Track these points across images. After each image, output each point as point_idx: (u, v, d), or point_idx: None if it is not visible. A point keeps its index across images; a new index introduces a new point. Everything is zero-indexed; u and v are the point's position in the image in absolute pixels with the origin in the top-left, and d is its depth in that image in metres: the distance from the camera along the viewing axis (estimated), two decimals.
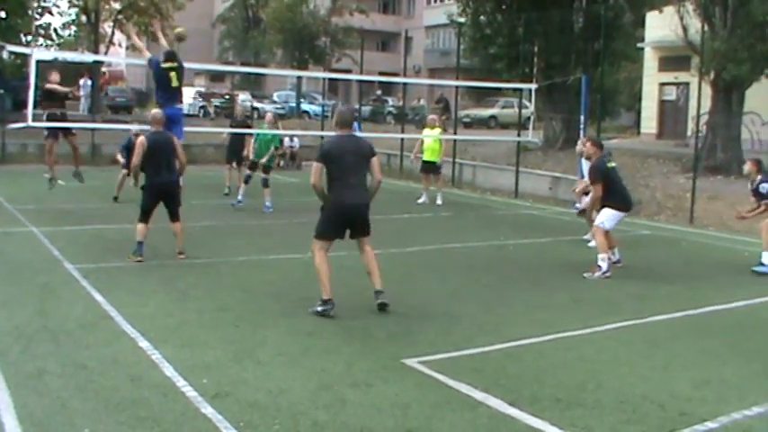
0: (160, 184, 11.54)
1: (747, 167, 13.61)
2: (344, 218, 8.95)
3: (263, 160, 17.53)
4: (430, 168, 20.48)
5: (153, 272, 10.75)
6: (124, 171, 17.96)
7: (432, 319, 8.81)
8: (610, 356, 7.69)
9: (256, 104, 41.09)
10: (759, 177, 13.15)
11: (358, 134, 19.48)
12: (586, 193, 14.36)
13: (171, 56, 13.23)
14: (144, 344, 7.42)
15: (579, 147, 15.05)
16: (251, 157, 17.83)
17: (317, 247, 8.98)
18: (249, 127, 19.55)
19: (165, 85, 13.18)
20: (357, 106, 34.43)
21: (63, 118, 15.96)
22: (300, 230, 14.97)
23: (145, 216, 11.49)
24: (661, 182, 21.87)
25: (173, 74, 13.06)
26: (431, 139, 20.42)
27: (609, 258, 11.89)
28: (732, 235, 16.51)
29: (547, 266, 12.52)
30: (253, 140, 18.11)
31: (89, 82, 37.43)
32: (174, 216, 11.75)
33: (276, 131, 19.18)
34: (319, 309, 8.70)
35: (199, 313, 8.65)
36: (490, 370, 7.11)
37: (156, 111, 12.23)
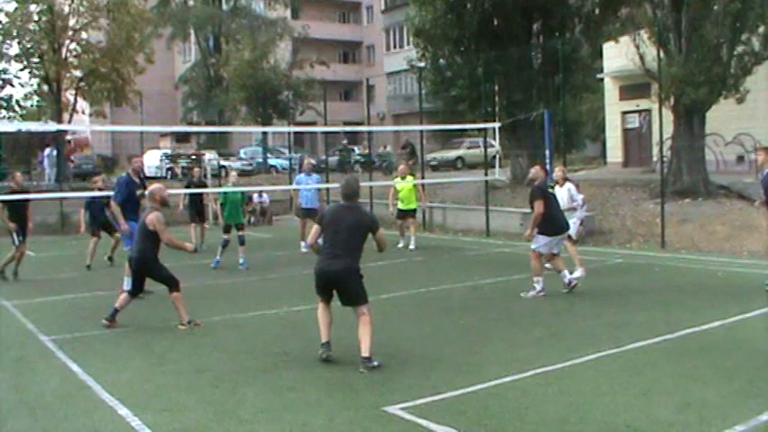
0: (130, 258, 11.54)
1: (761, 157, 13.65)
2: (324, 283, 9.09)
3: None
4: (407, 214, 20.70)
5: (129, 337, 10.65)
6: (94, 239, 17.95)
7: (411, 363, 8.79)
8: (591, 387, 7.70)
9: (223, 162, 41.11)
10: None
11: (315, 184, 19.83)
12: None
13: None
14: (123, 411, 7.33)
15: (557, 174, 15.67)
16: (221, 222, 17.91)
17: (317, 302, 9.27)
18: (206, 186, 19.66)
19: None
20: (324, 156, 34.53)
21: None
22: (275, 286, 15.05)
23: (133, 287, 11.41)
24: (630, 209, 22.05)
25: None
26: (407, 189, 20.72)
27: (543, 280, 12.80)
28: (704, 256, 16.66)
29: (522, 303, 12.54)
30: (220, 202, 18.14)
31: (54, 152, 37.32)
32: (168, 286, 11.37)
33: (243, 189, 19.39)
34: (319, 351, 8.96)
35: (177, 376, 8.57)
36: (472, 411, 7.10)
37: (156, 186, 12.08)
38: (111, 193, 15.54)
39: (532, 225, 13.02)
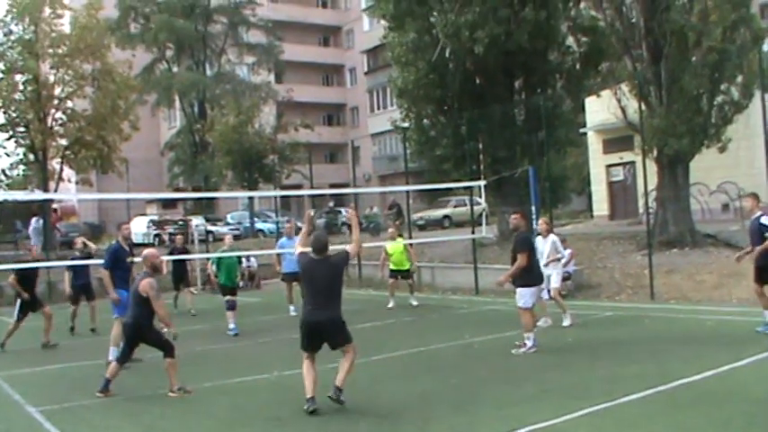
0: (124, 324, 11.49)
1: (748, 203, 13.73)
2: (312, 333, 9.61)
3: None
4: (403, 275, 20.77)
5: (118, 406, 10.51)
6: (73, 308, 18.58)
7: (403, 424, 8.72)
8: None
9: (210, 228, 41.09)
10: (759, 213, 13.34)
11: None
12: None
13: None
14: None
15: (541, 225, 16.33)
16: (216, 281, 18.24)
17: (303, 357, 9.67)
18: (189, 253, 19.72)
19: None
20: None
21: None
22: (265, 350, 14.95)
23: (121, 356, 11.35)
24: (618, 262, 22.07)
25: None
26: (399, 251, 20.71)
27: (534, 337, 12.75)
28: (693, 306, 16.67)
29: (513, 360, 12.48)
30: (215, 267, 18.25)
31: (40, 221, 37.27)
32: (163, 351, 11.24)
33: (238, 253, 19.50)
34: (305, 407, 9.28)
35: None
36: None
37: (149, 251, 12.09)
38: (98, 261, 15.66)
39: (512, 274, 13.05)
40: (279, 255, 20.67)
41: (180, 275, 21.51)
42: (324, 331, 9.58)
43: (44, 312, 16.56)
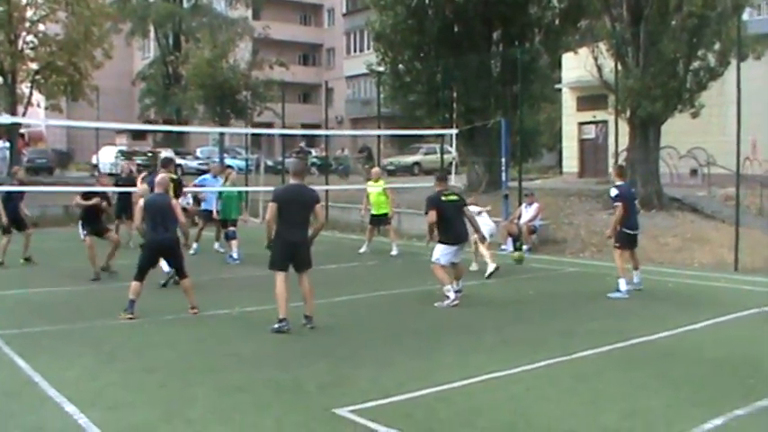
0: (158, 242, 11.70)
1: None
2: (288, 251, 10.60)
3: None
4: (381, 220, 20.44)
5: (78, 334, 10.52)
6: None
7: (362, 366, 8.79)
8: (539, 394, 7.76)
9: (179, 161, 40.83)
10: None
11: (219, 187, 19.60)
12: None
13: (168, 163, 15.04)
14: (70, 408, 7.25)
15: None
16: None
17: (276, 276, 10.55)
18: (134, 183, 19.02)
19: None
20: (280, 158, 34.43)
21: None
22: (228, 286, 14.95)
23: (140, 274, 11.57)
24: (584, 219, 22.23)
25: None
26: (377, 193, 20.31)
27: (453, 289, 12.89)
28: (656, 267, 16.83)
29: (475, 309, 12.58)
30: (216, 199, 18.67)
31: (7, 144, 36.84)
32: (179, 272, 12.01)
33: (240, 188, 19.25)
34: (275, 326, 10.30)
35: (125, 374, 8.49)
36: (421, 415, 7.12)
37: (162, 175, 12.75)
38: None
39: (429, 234, 13.45)
40: (198, 191, 19.62)
41: (123, 205, 19.80)
42: (298, 249, 10.64)
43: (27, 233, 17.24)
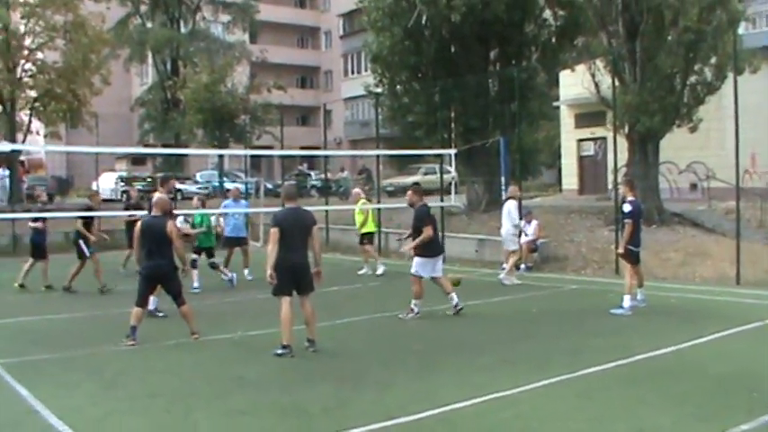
0: (153, 268, 11.60)
1: None
2: (290, 274, 10.50)
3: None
4: (366, 238, 20.56)
5: (80, 361, 10.47)
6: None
7: (364, 388, 8.75)
8: (545, 413, 7.72)
9: (179, 186, 40.85)
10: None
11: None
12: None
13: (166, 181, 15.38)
14: None
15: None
16: (195, 234, 17.95)
17: (282, 302, 10.46)
18: (143, 209, 19.00)
19: None
20: (280, 181, 34.40)
21: None
22: (230, 310, 14.91)
23: (141, 300, 11.54)
24: (585, 236, 22.19)
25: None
26: (360, 212, 20.60)
27: (419, 304, 13.45)
28: (658, 283, 16.78)
29: (478, 328, 12.56)
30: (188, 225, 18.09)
31: (6, 172, 36.83)
32: (176, 299, 11.77)
33: (205, 211, 18.93)
34: (279, 351, 10.24)
35: (128, 401, 8.44)
36: None
37: (159, 195, 12.89)
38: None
39: (417, 245, 13.67)
40: (222, 217, 19.48)
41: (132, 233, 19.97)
42: (299, 272, 10.57)
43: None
